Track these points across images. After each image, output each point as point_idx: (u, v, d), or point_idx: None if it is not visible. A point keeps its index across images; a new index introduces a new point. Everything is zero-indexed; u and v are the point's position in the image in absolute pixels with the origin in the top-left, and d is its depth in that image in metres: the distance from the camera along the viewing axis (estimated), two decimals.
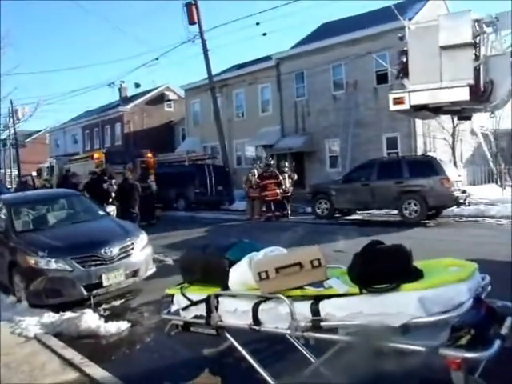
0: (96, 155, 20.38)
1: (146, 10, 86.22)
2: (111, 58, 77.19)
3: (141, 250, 7.37)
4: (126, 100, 40.41)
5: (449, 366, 2.31)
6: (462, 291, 2.41)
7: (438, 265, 2.80)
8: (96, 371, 4.33)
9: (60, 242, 6.84)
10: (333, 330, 2.67)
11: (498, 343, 2.26)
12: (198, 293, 3.36)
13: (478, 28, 8.42)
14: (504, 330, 2.40)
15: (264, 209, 16.38)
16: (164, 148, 30.17)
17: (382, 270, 2.50)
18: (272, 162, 18.08)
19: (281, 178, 16.28)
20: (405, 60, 9.17)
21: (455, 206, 13.72)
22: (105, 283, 6.67)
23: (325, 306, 2.65)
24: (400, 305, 2.40)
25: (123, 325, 5.69)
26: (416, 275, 2.54)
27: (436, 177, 13.02)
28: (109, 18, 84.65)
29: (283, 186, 16.25)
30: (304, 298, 2.78)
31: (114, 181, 14.33)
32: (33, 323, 5.65)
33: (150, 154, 20.15)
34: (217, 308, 3.18)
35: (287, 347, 3.60)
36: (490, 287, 2.75)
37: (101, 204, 10.14)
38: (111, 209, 9.81)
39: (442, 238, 10.71)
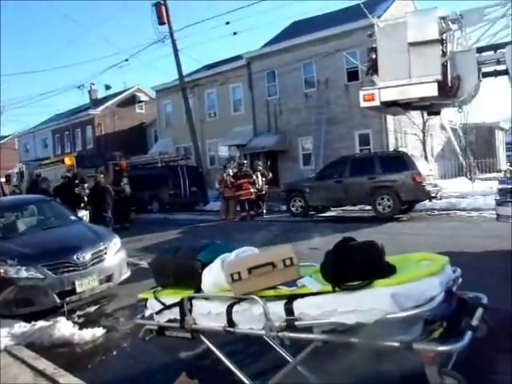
0: (67, 159, 20.05)
1: (113, 10, 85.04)
2: (80, 60, 75.81)
3: (114, 254, 7.24)
4: (96, 102, 39.85)
5: (423, 361, 2.33)
6: (434, 285, 2.44)
7: (411, 259, 2.83)
8: (70, 380, 4.23)
9: (30, 250, 6.66)
10: (308, 328, 2.66)
11: (469, 334, 2.29)
12: (171, 296, 3.32)
13: (444, 25, 8.54)
14: (475, 321, 2.44)
15: (239, 208, 16.34)
16: (136, 150, 29.83)
17: (354, 266, 2.50)
18: (245, 162, 18.05)
19: (254, 177, 16.27)
20: (374, 57, 9.24)
21: (427, 200, 13.98)
22: (78, 290, 6.52)
23: (299, 306, 2.64)
24: (373, 301, 2.41)
25: (98, 331, 5.57)
26: (389, 271, 2.55)
27: (408, 172, 13.20)
28: (76, 18, 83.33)
29: (257, 185, 16.25)
30: (278, 297, 2.77)
31: (86, 185, 14.10)
32: (3, 335, 5.46)
33: (123, 159, 19.92)
34: (190, 311, 3.14)
35: (264, 348, 3.58)
36: (460, 279, 2.78)
37: (73, 209, 9.95)
38: (83, 213, 9.63)
39: (415, 232, 10.87)
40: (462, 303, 2.60)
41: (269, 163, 18.61)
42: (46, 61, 79.69)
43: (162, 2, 22.37)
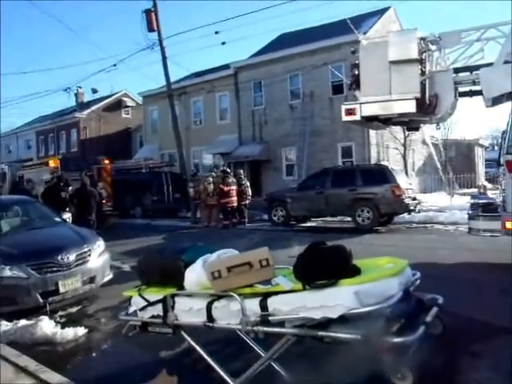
0: (51, 161, 19.99)
1: (103, 15, 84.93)
2: (67, 63, 75.44)
3: (98, 256, 7.33)
4: (82, 106, 39.67)
5: (380, 352, 2.57)
6: (393, 285, 2.69)
7: (375, 263, 3.09)
8: (52, 376, 4.33)
9: (15, 249, 6.70)
10: (281, 323, 2.89)
11: (421, 329, 2.54)
12: (155, 294, 3.51)
13: (423, 45, 8.91)
14: (429, 318, 2.69)
15: (221, 216, 16.49)
16: (121, 155, 29.80)
17: (323, 267, 2.74)
18: (228, 170, 18.24)
19: (236, 185, 16.44)
20: (357, 73, 9.56)
21: (406, 213, 14.27)
22: (61, 290, 6.58)
23: (272, 302, 2.88)
24: (338, 298, 2.66)
25: (80, 331, 5.64)
26: (354, 272, 2.80)
27: (388, 185, 13.50)
28: (65, 20, 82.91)
29: (242, 194, 16.43)
30: (254, 295, 2.99)
31: (70, 188, 14.15)
32: None
33: (106, 161, 19.94)
34: (173, 307, 3.34)
35: (244, 347, 3.77)
36: (418, 281, 3.04)
37: (58, 211, 10.01)
38: (67, 216, 9.71)
39: (391, 243, 11.14)
40: (419, 303, 2.86)
41: (243, 172, 18.54)
42: (34, 62, 79.10)
43: (153, 9, 22.57)
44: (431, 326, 2.59)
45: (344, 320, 2.62)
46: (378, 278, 2.70)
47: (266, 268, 3.00)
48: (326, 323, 2.67)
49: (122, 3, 67.64)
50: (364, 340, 2.55)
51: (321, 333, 2.71)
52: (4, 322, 5.84)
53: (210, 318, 3.13)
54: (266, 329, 2.91)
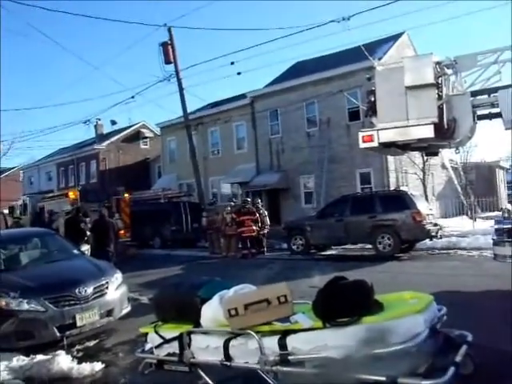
0: (71, 193, 20.21)
1: (121, 49, 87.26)
2: (87, 96, 77.29)
3: (115, 289, 7.27)
4: (101, 137, 40.29)
5: None
6: (419, 322, 2.55)
7: (399, 298, 2.95)
8: None
9: (33, 282, 6.71)
10: (300, 363, 2.76)
11: (452, 370, 2.38)
12: (171, 330, 3.42)
13: (439, 69, 8.85)
14: (458, 358, 2.53)
15: (240, 245, 16.38)
16: (140, 185, 30.05)
17: (343, 304, 2.62)
18: (248, 199, 18.23)
19: (257, 214, 16.37)
20: (373, 99, 9.51)
21: (428, 239, 14.00)
22: (78, 323, 6.53)
23: (292, 341, 2.75)
24: (361, 337, 2.52)
25: (97, 366, 5.56)
26: (376, 308, 2.67)
27: (408, 211, 13.30)
28: (84, 56, 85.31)
29: (259, 223, 16.33)
30: (272, 333, 2.88)
31: (87, 219, 14.24)
32: (1, 368, 5.43)
33: (126, 194, 20.07)
34: (189, 345, 3.24)
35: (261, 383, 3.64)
36: (445, 317, 2.88)
37: (76, 243, 10.05)
38: (86, 248, 9.72)
39: (415, 271, 10.90)
40: (447, 340, 2.70)
41: (260, 201, 18.42)
42: (54, 97, 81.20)
43: (169, 41, 23.04)
44: (462, 366, 2.42)
45: (367, 360, 2.48)
46: (403, 315, 2.56)
47: (284, 305, 2.89)
48: (348, 363, 2.54)
49: (138, 37, 69.51)
50: (389, 382, 2.41)
51: (342, 373, 2.57)
52: (21, 357, 5.79)
53: (228, 356, 3.02)
54: (286, 369, 2.78)
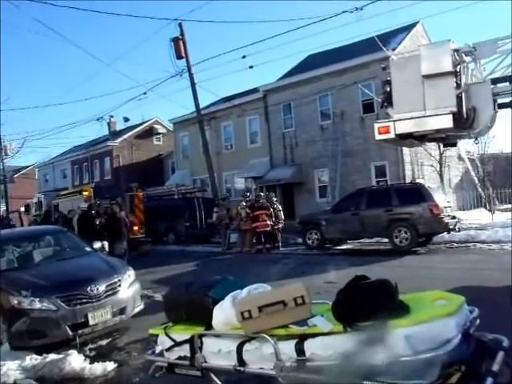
0: (84, 190, 20.23)
1: (132, 45, 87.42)
2: (100, 93, 77.58)
3: (128, 286, 7.20)
4: (115, 134, 40.42)
5: None
6: (450, 327, 2.33)
7: (425, 298, 2.73)
8: None
9: (45, 281, 6.67)
10: (319, 369, 2.57)
11: (490, 381, 2.15)
12: (181, 332, 3.26)
13: (457, 57, 8.54)
14: (496, 366, 2.30)
15: (254, 241, 16.23)
16: (153, 181, 30.09)
17: (366, 306, 2.42)
18: (262, 194, 18.07)
19: (271, 209, 16.20)
20: (388, 90, 9.24)
21: (445, 232, 13.71)
22: (91, 322, 6.47)
23: (310, 346, 2.56)
24: (386, 343, 2.32)
25: (109, 365, 5.50)
26: (402, 311, 2.46)
27: (425, 204, 13.03)
28: (96, 53, 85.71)
29: (274, 218, 16.16)
30: (288, 337, 2.69)
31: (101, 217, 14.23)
32: (13, 367, 5.41)
33: (140, 192, 19.99)
34: (201, 348, 3.08)
35: None
36: (478, 320, 2.66)
37: (90, 240, 9.99)
38: (99, 245, 9.62)
39: (433, 265, 10.65)
40: (481, 346, 2.48)
41: (275, 195, 18.17)
42: (67, 94, 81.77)
43: (180, 37, 22.89)
44: (499, 376, 2.19)
45: (393, 368, 2.28)
46: (432, 319, 2.34)
47: (301, 307, 2.70)
48: (372, 372, 2.34)
49: (149, 32, 69.53)
50: None
51: (366, 382, 2.37)
52: (33, 356, 5.78)
53: (241, 361, 2.84)
54: (304, 376, 2.59)
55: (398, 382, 2.30)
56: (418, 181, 18.71)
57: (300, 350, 2.57)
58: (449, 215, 13.64)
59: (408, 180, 20.08)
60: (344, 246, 15.37)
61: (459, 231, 14.40)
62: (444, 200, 14.31)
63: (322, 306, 3.09)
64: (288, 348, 2.63)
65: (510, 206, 22.60)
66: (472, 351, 2.41)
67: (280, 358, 2.65)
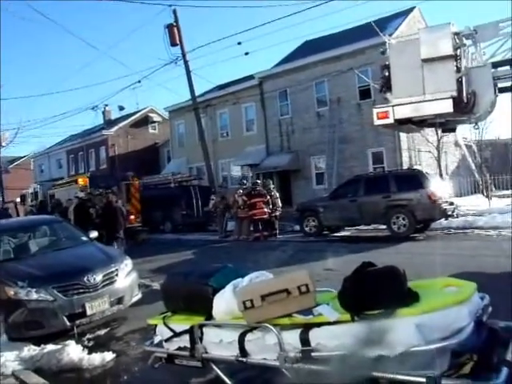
0: (80, 180, 20.06)
1: (126, 32, 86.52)
2: (93, 81, 76.90)
3: (125, 276, 7.13)
4: (110, 123, 40.20)
5: None
6: (463, 315, 2.25)
7: (434, 285, 2.64)
8: None
9: (41, 271, 6.59)
10: (325, 360, 2.48)
11: (505, 371, 2.07)
12: (181, 323, 3.18)
13: (457, 40, 8.39)
14: (510, 355, 2.22)
15: (252, 228, 16.16)
16: (149, 170, 29.94)
17: (374, 294, 2.33)
18: (258, 181, 17.96)
19: (269, 196, 16.11)
20: (387, 74, 9.11)
21: (443, 219, 13.66)
22: (88, 312, 6.41)
23: (315, 335, 2.47)
24: (396, 332, 2.23)
25: (108, 356, 5.43)
26: (411, 299, 2.37)
27: (423, 190, 12.96)
28: (89, 40, 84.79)
29: (271, 205, 16.08)
30: (293, 326, 2.60)
31: (97, 206, 14.13)
32: (11, 358, 5.36)
33: (136, 180, 19.87)
34: (201, 339, 3.00)
35: (278, 376, 3.40)
36: (490, 308, 2.58)
37: (86, 229, 9.90)
38: (95, 234, 9.52)
39: (431, 251, 10.58)
40: (493, 334, 2.39)
41: (272, 182, 18.05)
42: (61, 83, 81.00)
43: (175, 23, 22.59)
44: None
45: (403, 358, 2.19)
46: (443, 307, 2.25)
47: (305, 295, 2.60)
48: (380, 362, 2.25)
49: (143, 19, 68.75)
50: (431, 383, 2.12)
51: (375, 373, 2.28)
52: (31, 347, 5.72)
53: (243, 351, 2.76)
54: (309, 366, 2.50)
55: (408, 372, 2.23)
56: (415, 167, 18.65)
57: (305, 340, 2.48)
58: (446, 201, 13.59)
59: (405, 166, 20.01)
60: (342, 233, 15.32)
61: (457, 217, 14.37)
62: (442, 186, 14.26)
63: (326, 294, 3.00)
64: (292, 338, 2.55)
65: (507, 191, 22.59)
66: (484, 340, 2.33)
67: (284, 348, 2.57)
